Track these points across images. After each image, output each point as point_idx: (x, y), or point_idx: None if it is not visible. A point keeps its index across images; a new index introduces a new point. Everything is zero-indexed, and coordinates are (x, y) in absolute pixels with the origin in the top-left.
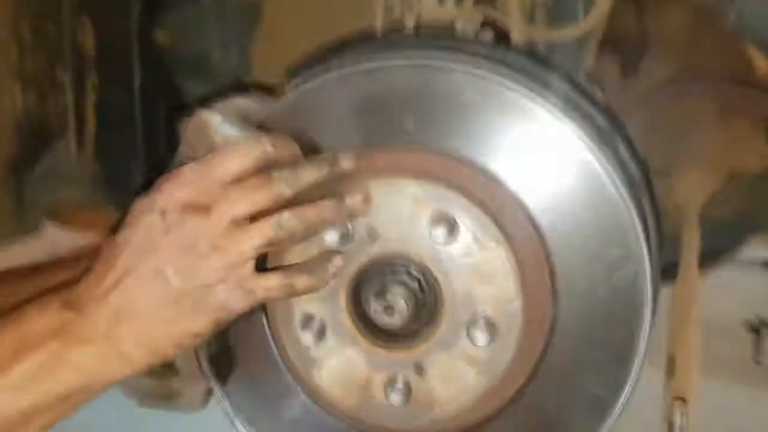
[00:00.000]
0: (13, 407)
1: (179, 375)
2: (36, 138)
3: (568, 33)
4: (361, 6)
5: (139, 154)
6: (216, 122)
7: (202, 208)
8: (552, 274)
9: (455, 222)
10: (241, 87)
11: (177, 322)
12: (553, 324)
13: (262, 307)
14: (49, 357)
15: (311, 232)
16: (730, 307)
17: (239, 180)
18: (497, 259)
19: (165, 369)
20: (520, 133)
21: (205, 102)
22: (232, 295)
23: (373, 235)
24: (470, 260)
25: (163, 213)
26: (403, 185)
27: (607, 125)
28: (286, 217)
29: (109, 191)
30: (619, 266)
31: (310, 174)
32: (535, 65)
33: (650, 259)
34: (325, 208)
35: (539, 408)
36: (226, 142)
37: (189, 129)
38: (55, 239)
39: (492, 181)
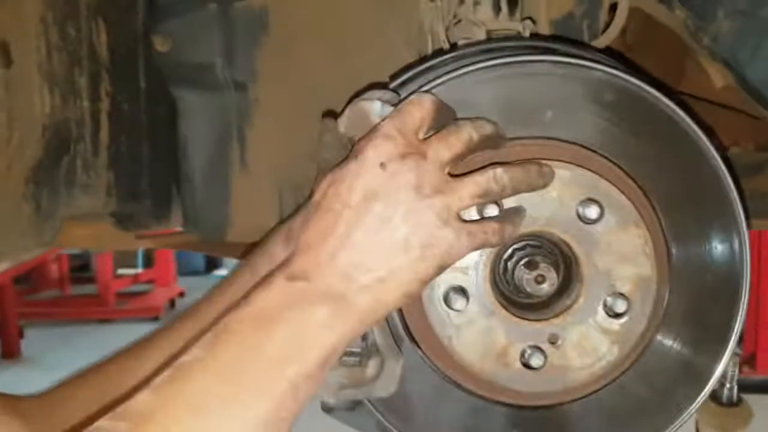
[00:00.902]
0: (282, 378)
1: (373, 357)
2: (58, 143)
3: (602, 41)
4: (371, 15)
5: (145, 162)
6: (376, 107)
7: (418, 153)
8: (669, 257)
9: (600, 204)
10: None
11: (406, 268)
12: (667, 303)
13: None
14: (297, 326)
15: (519, 189)
16: None
17: (431, 128)
18: (638, 240)
19: (359, 356)
20: (652, 132)
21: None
22: (456, 238)
23: (520, 213)
24: (612, 239)
25: (382, 164)
26: (554, 168)
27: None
28: (499, 171)
29: (117, 201)
30: (724, 256)
31: (484, 123)
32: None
33: (749, 249)
34: (531, 169)
35: (648, 377)
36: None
37: (347, 119)
38: None
39: (623, 171)
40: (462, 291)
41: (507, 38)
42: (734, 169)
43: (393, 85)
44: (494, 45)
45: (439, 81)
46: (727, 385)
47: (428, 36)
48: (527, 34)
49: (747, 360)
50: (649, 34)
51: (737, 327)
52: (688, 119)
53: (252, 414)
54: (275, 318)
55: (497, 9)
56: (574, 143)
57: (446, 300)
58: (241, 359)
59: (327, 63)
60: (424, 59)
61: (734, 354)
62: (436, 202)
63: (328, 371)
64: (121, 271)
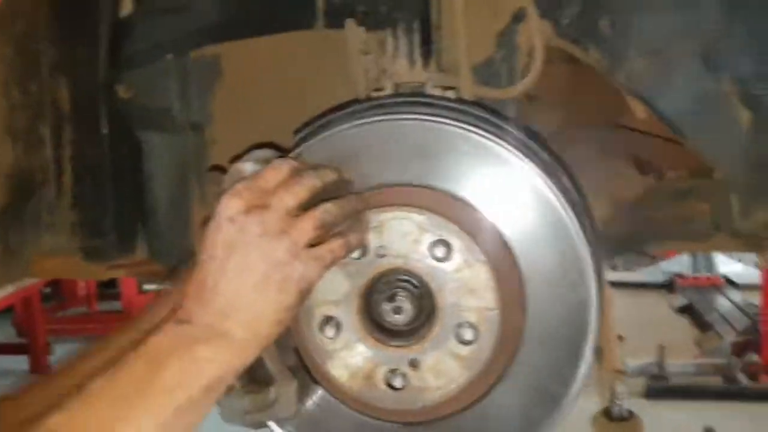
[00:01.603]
0: (170, 404)
1: (272, 384)
2: (22, 189)
3: (510, 92)
4: (318, 60)
5: (109, 201)
6: (248, 168)
7: (261, 206)
8: (522, 291)
9: (450, 245)
10: (256, 146)
11: (271, 301)
12: (521, 332)
13: None
14: (184, 361)
15: (347, 215)
16: None
17: (280, 183)
18: (481, 275)
19: (259, 384)
20: (497, 174)
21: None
22: (306, 266)
23: (382, 253)
24: (459, 276)
25: (231, 219)
26: (410, 214)
27: (550, 159)
28: (328, 205)
29: (82, 237)
30: (574, 288)
31: (328, 172)
32: (493, 116)
33: (598, 279)
34: (351, 199)
35: (507, 401)
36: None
37: (226, 180)
38: None
39: (477, 213)
40: (334, 321)
41: (400, 94)
42: (584, 195)
43: (298, 137)
44: (376, 102)
45: (323, 134)
46: (617, 402)
47: (361, 83)
48: (430, 88)
49: (766, 368)
50: (582, 74)
51: (587, 352)
52: (532, 169)
53: (132, 413)
54: (165, 355)
55: (412, 61)
56: (438, 190)
57: (321, 329)
58: (136, 388)
59: (275, 105)
60: (324, 113)
61: (618, 372)
62: (283, 241)
63: (229, 399)
64: (146, 287)
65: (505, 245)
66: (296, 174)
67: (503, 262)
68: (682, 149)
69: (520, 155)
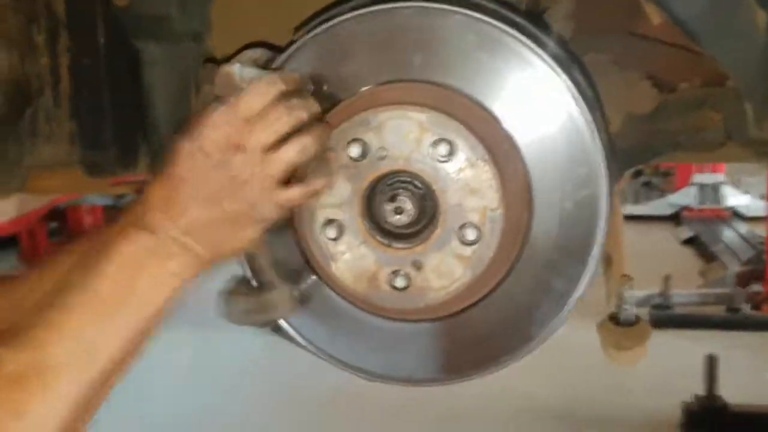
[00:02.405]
0: (144, 318)
1: (270, 288)
2: (18, 97)
3: None
4: None
5: (107, 112)
6: (236, 70)
7: (237, 146)
8: (528, 188)
9: (452, 144)
10: (249, 45)
11: (233, 233)
12: (527, 230)
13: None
14: (157, 275)
15: (320, 144)
16: None
17: (261, 114)
18: (485, 175)
19: (260, 287)
20: (503, 66)
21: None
22: (269, 208)
23: (383, 154)
24: (462, 176)
25: (206, 154)
26: (410, 113)
27: (562, 53)
28: (306, 142)
29: (81, 149)
30: (584, 184)
31: (313, 103)
32: (504, 8)
33: (609, 177)
34: (326, 131)
35: (513, 298)
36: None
37: (216, 83)
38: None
39: (482, 109)
40: (336, 223)
41: None
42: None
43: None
44: None
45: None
46: (624, 307)
47: None
48: None
49: None
50: None
51: (596, 251)
52: (545, 57)
53: (114, 328)
54: (138, 266)
55: None
56: (439, 85)
57: (324, 231)
58: (115, 300)
59: (275, 10)
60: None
61: (625, 276)
62: (252, 186)
63: (233, 301)
64: None
65: (510, 142)
66: (280, 102)
67: (509, 160)
68: (696, 57)
69: (531, 46)
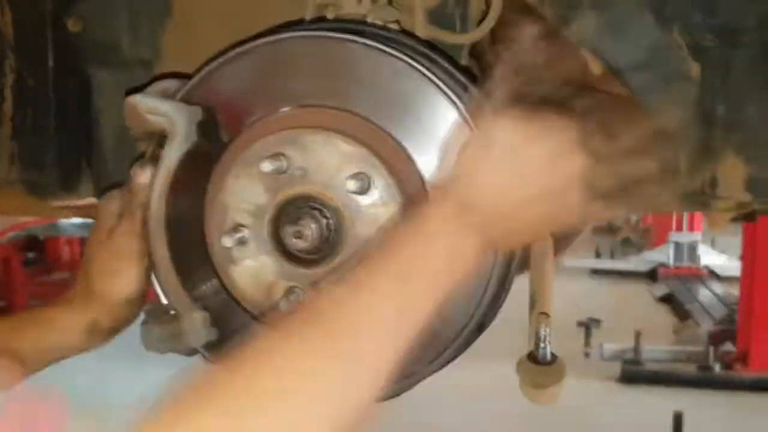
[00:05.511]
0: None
1: (183, 315)
2: None
3: (464, 37)
4: None
5: (51, 134)
6: (138, 101)
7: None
8: None
9: (370, 180)
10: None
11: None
12: None
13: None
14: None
15: None
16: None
17: None
18: (393, 216)
19: (169, 315)
20: (418, 104)
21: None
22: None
23: (302, 174)
24: (373, 212)
25: (553, 158)
26: (338, 141)
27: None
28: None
29: (22, 169)
30: None
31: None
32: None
33: None
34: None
35: None
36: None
37: (125, 114)
38: None
39: (403, 153)
40: (245, 229)
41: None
42: None
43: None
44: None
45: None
46: (542, 345)
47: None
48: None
49: (740, 357)
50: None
51: None
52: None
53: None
54: (431, 241)
55: None
56: (366, 119)
57: (230, 234)
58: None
59: (223, 41)
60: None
61: (544, 315)
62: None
63: (145, 329)
64: None
65: (424, 188)
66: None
67: (420, 202)
68: (634, 108)
69: (453, 92)
